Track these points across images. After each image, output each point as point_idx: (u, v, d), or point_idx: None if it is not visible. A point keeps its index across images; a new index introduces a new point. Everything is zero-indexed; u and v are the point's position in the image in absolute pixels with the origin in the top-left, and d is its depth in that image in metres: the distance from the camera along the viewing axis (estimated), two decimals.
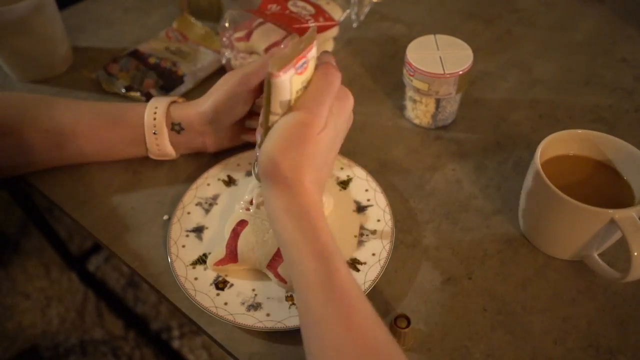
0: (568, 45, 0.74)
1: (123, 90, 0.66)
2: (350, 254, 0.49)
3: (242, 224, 0.49)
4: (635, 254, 0.40)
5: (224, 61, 0.68)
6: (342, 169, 0.56)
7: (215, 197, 0.54)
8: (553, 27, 0.77)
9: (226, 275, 0.48)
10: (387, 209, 0.51)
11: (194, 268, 0.48)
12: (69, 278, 1.33)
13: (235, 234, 0.48)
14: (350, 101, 0.45)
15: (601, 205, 0.42)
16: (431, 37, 0.60)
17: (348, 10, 0.69)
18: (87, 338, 1.21)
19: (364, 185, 0.54)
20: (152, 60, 0.70)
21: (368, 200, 0.53)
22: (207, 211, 0.53)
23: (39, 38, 0.67)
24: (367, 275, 0.47)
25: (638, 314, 0.45)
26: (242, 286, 0.47)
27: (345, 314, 0.35)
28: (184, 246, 0.50)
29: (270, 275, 0.47)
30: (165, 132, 0.54)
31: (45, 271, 1.35)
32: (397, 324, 0.42)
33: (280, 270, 0.46)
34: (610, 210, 0.41)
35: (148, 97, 0.65)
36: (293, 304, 0.45)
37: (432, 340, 0.44)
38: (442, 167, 0.58)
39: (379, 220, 0.51)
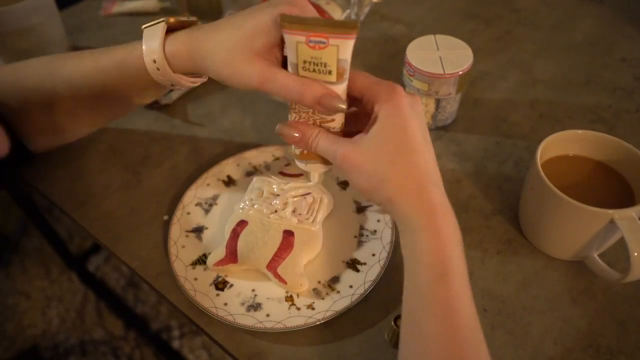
0: (568, 45, 0.74)
1: None
2: (349, 255, 0.49)
3: (242, 224, 0.49)
4: (635, 254, 0.40)
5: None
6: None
7: (215, 198, 0.54)
8: (553, 27, 0.77)
9: (226, 276, 0.48)
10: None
11: (193, 268, 0.48)
12: (69, 278, 1.33)
13: (235, 234, 0.48)
14: (415, 95, 0.41)
15: (601, 205, 0.42)
16: (431, 37, 0.60)
17: (348, 10, 0.69)
18: (87, 338, 1.21)
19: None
20: None
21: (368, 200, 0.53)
22: (206, 211, 0.53)
23: (39, 38, 0.67)
24: (367, 276, 0.47)
25: (638, 314, 0.45)
26: (242, 286, 0.47)
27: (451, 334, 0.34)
28: (183, 246, 0.50)
29: (270, 275, 0.47)
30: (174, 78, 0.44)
31: (45, 271, 1.35)
32: (396, 324, 0.42)
33: (280, 270, 0.46)
34: (610, 211, 0.41)
35: None
36: (293, 304, 0.46)
37: None
38: (442, 167, 0.58)
39: (378, 221, 0.51)
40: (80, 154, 0.61)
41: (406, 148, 0.36)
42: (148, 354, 1.19)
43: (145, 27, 0.43)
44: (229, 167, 0.57)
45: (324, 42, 0.35)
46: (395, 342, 0.42)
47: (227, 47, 0.39)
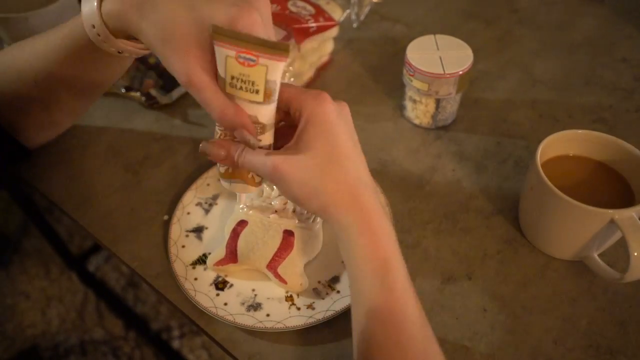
0: (568, 45, 0.74)
1: (123, 90, 0.66)
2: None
3: (242, 224, 0.49)
4: (635, 254, 0.40)
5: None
6: None
7: (215, 197, 0.54)
8: (553, 27, 0.77)
9: (226, 276, 0.48)
10: (387, 209, 0.51)
11: (193, 268, 0.48)
12: (69, 278, 1.33)
13: (235, 234, 0.48)
14: (343, 103, 0.41)
15: (601, 205, 0.42)
16: (431, 37, 0.60)
17: (348, 10, 0.69)
18: (87, 338, 1.21)
19: None
20: (152, 61, 0.70)
21: None
22: (207, 211, 0.53)
23: None
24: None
25: (638, 314, 0.45)
26: (242, 286, 0.47)
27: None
28: (183, 246, 0.50)
29: (270, 275, 0.47)
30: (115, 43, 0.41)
31: (45, 271, 1.35)
32: None
33: (280, 270, 0.46)
34: (610, 211, 0.41)
35: (148, 97, 0.65)
36: (293, 304, 0.46)
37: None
38: (442, 167, 0.58)
39: None
40: (80, 154, 0.61)
41: (336, 155, 0.36)
42: (148, 354, 1.19)
43: None
44: None
45: (253, 60, 0.34)
46: None
47: (169, 22, 0.35)
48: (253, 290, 0.47)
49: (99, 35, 0.40)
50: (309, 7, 0.65)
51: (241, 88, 0.35)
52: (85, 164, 0.60)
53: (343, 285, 0.46)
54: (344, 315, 0.45)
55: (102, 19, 0.39)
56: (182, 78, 0.35)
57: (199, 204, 0.54)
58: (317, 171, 0.36)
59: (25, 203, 1.19)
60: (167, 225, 0.52)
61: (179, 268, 0.48)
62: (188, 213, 0.53)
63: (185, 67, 0.35)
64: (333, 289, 0.46)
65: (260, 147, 0.38)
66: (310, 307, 0.45)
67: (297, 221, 0.48)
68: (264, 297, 0.46)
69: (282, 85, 0.37)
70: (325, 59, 0.70)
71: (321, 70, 0.70)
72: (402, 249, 0.50)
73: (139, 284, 1.31)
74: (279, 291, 0.47)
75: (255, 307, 0.45)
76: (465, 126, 0.63)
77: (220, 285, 0.47)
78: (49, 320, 1.25)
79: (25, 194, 1.17)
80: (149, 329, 1.23)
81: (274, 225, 0.48)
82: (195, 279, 0.47)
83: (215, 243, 0.50)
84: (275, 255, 0.47)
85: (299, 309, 0.45)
